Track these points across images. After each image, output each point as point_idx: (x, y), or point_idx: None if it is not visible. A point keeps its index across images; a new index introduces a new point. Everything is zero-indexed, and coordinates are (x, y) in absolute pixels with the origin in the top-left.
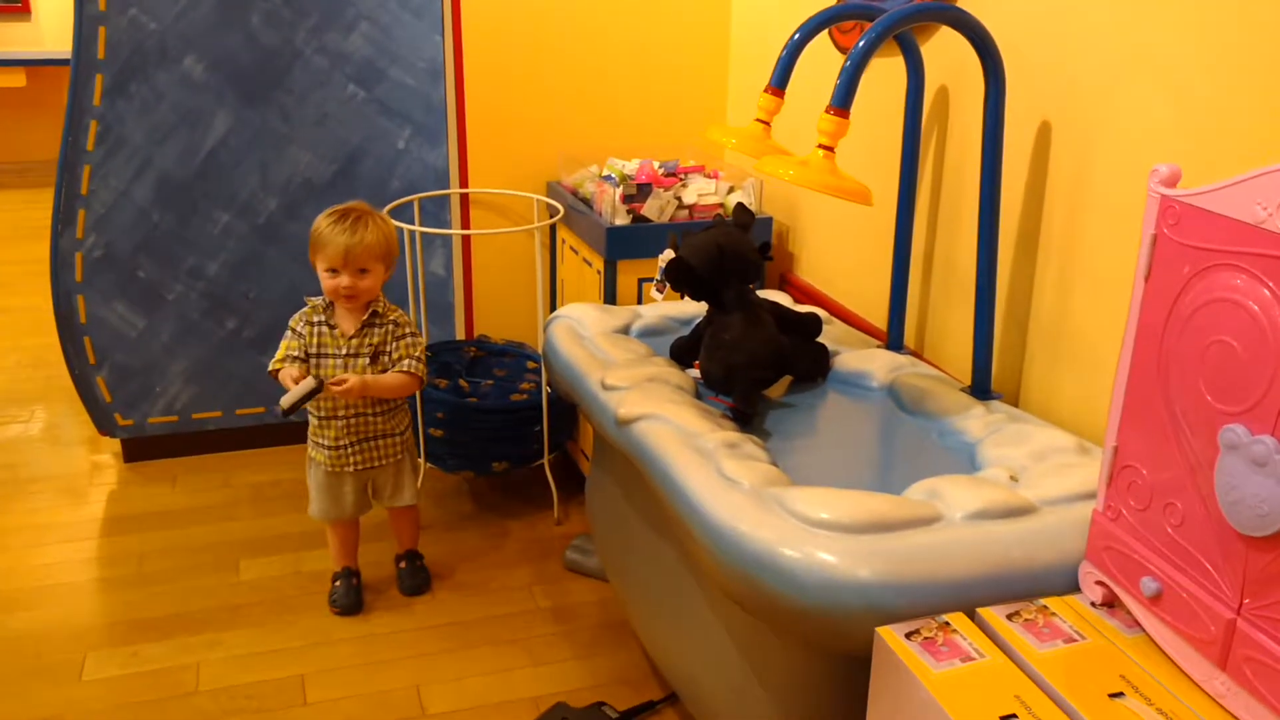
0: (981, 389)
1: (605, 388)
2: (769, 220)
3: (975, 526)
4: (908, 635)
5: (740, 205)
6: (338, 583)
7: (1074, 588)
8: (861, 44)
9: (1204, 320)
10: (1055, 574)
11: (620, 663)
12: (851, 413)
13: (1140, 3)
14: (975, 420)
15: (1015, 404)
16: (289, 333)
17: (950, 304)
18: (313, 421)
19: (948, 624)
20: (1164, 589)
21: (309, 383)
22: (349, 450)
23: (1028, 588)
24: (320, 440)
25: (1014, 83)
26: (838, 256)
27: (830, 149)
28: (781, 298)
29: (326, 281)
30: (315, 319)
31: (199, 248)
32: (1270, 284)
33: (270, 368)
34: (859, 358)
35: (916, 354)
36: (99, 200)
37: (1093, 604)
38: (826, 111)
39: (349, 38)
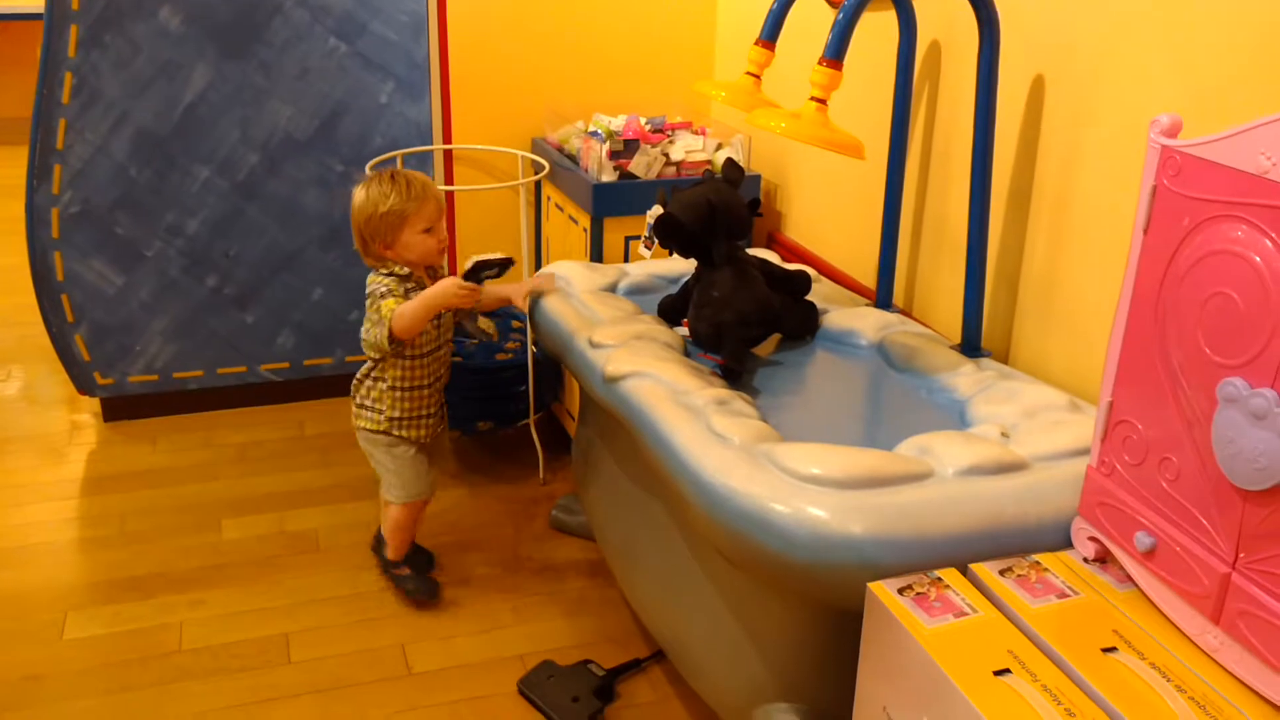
0: (971, 347)
1: (593, 345)
2: (757, 178)
3: (967, 482)
4: (900, 591)
5: (730, 161)
6: (411, 570)
7: (1066, 543)
8: None
9: (1204, 273)
10: (1048, 530)
11: (607, 621)
12: (841, 370)
13: None
14: (965, 378)
15: (1005, 362)
16: (392, 293)
17: (940, 262)
18: (408, 399)
19: (940, 579)
20: (1158, 544)
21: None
22: (438, 417)
23: (1020, 543)
24: (422, 413)
25: (1008, 37)
26: (826, 215)
27: (823, 101)
28: (769, 256)
29: (421, 244)
30: (409, 285)
31: (178, 204)
32: (1273, 235)
33: (398, 308)
34: (848, 316)
35: (905, 312)
36: (75, 155)
37: (1085, 560)
38: (819, 63)
39: None
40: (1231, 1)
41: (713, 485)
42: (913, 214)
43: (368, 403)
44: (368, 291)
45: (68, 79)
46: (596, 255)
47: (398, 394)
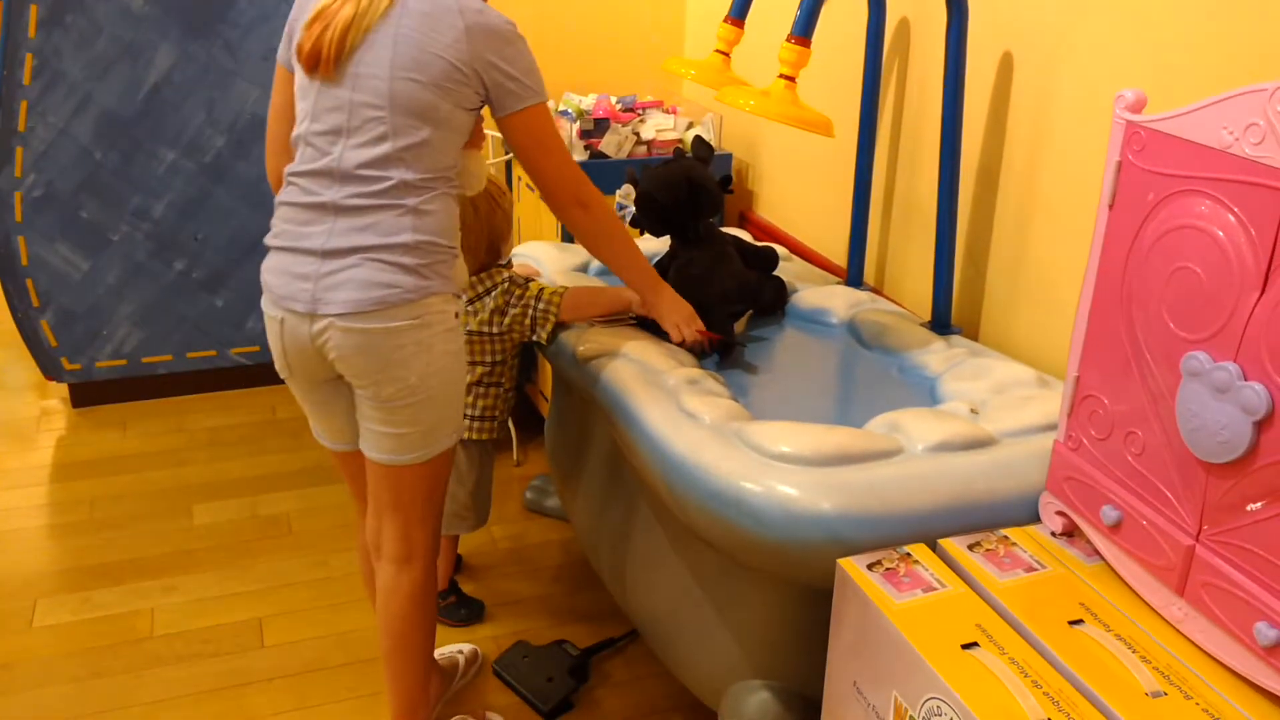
0: (941, 324)
1: (565, 326)
2: (729, 157)
3: (936, 459)
4: (869, 566)
5: (699, 138)
6: (455, 597)
7: (1034, 518)
8: None
9: (1168, 247)
10: (1016, 505)
11: (581, 601)
12: (813, 348)
13: None
14: (935, 355)
15: (976, 338)
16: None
17: (910, 240)
18: (494, 392)
19: (909, 555)
20: (1124, 517)
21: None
22: None
23: (988, 518)
24: (498, 413)
25: (977, 14)
26: (798, 193)
27: (792, 79)
28: (741, 235)
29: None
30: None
31: (144, 187)
32: (1235, 209)
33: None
34: (819, 295)
35: (877, 290)
36: (37, 137)
37: (1053, 534)
38: (787, 41)
39: None
40: None
41: (684, 464)
42: (883, 192)
43: (479, 414)
44: (498, 295)
45: (28, 60)
46: (568, 235)
47: (510, 395)
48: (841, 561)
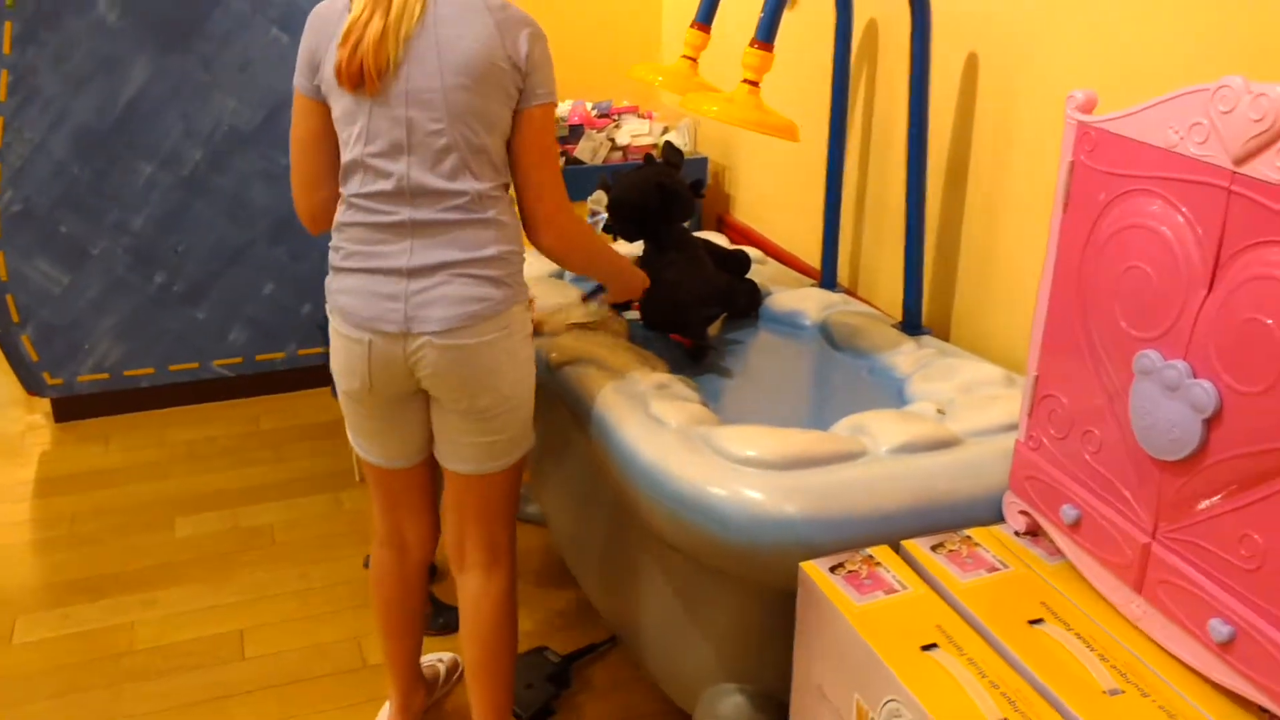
0: (912, 325)
1: (538, 334)
2: (704, 160)
3: (900, 460)
4: (832, 569)
5: (669, 144)
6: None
7: (999, 518)
8: None
9: (1119, 246)
10: (980, 505)
11: (563, 606)
12: (785, 351)
13: None
14: (905, 356)
15: (947, 338)
16: None
17: (882, 241)
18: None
19: (872, 557)
20: (1083, 516)
21: None
22: None
23: (952, 519)
24: None
25: (941, 15)
26: (773, 197)
27: (755, 84)
28: (718, 239)
29: None
30: None
31: (123, 201)
32: (1182, 208)
33: None
34: (792, 297)
35: (851, 292)
36: (14, 153)
37: (1016, 533)
38: (750, 45)
39: None
40: None
41: (650, 469)
42: (855, 194)
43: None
44: None
45: (4, 76)
46: None
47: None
48: (804, 565)
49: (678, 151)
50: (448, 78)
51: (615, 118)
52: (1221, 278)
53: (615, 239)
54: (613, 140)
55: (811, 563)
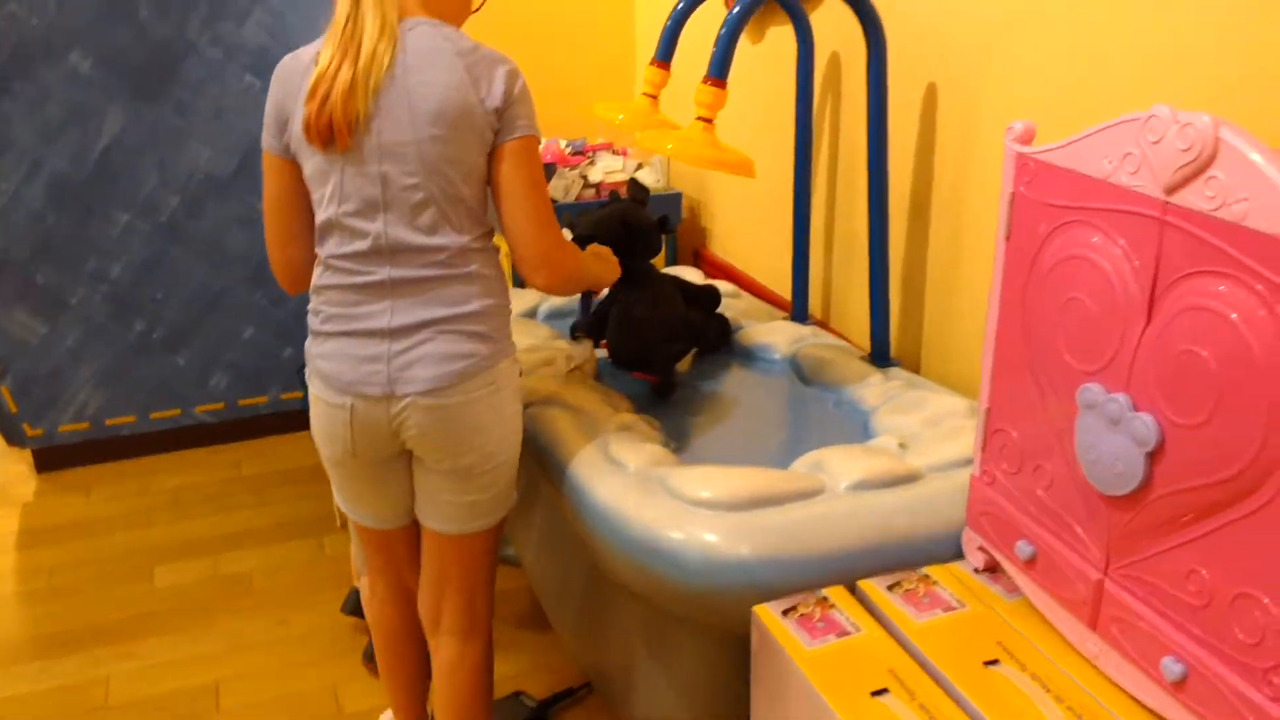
0: (881, 356)
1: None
2: (678, 195)
3: (857, 497)
4: (784, 613)
5: (634, 180)
6: None
7: (959, 554)
8: (735, 12)
9: (1060, 278)
10: (939, 541)
11: (540, 650)
12: (753, 385)
13: None
14: (872, 388)
15: (917, 370)
16: None
17: (852, 273)
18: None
19: (826, 599)
20: (1038, 552)
21: None
22: None
23: (911, 557)
24: None
25: (901, 46)
26: (748, 230)
27: (709, 120)
28: (693, 274)
29: None
30: None
31: (100, 250)
32: (1119, 239)
33: None
34: (763, 331)
35: (823, 324)
36: None
37: (976, 570)
38: (703, 82)
39: (243, 27)
40: (1103, 8)
41: (605, 513)
42: (824, 226)
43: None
44: None
45: None
46: (518, 280)
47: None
48: (756, 609)
49: (643, 188)
50: (420, 129)
51: (589, 155)
52: (1159, 309)
53: None
54: (585, 177)
55: (764, 606)
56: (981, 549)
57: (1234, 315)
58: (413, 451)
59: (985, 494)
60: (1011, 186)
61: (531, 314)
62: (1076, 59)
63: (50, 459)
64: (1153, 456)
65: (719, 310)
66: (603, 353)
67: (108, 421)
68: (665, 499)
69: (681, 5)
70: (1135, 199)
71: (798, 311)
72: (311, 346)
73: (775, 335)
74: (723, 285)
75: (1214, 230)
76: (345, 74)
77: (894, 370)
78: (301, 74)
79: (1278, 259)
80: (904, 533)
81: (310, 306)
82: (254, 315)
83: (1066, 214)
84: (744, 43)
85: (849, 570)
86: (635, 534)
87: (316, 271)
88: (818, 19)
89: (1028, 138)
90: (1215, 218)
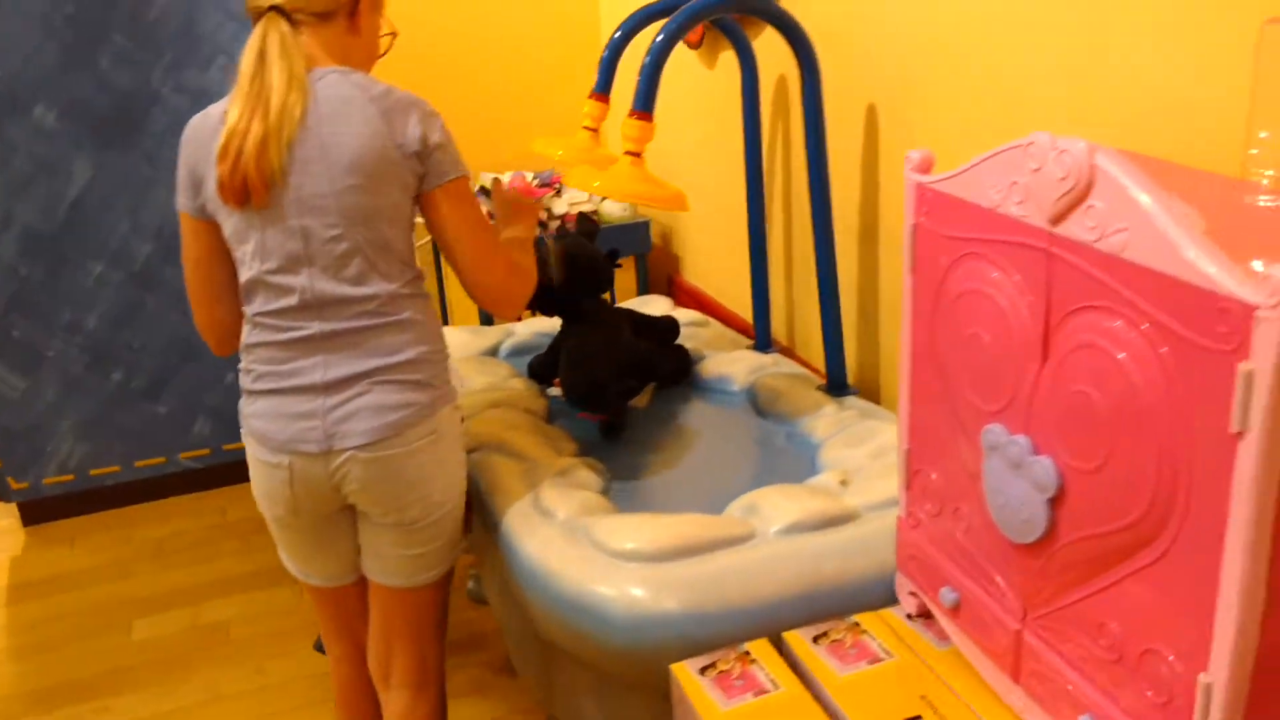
0: (837, 385)
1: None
2: (646, 223)
3: (788, 541)
4: (703, 670)
5: (582, 214)
6: None
7: (894, 599)
8: (657, 41)
9: (962, 312)
10: (872, 586)
11: (517, 693)
12: (709, 419)
13: None
14: (825, 419)
15: (876, 398)
16: None
17: (812, 298)
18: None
19: (748, 654)
20: (961, 599)
21: None
22: None
23: (843, 603)
24: None
25: (839, 67)
26: (718, 256)
27: (638, 154)
28: (664, 302)
29: None
30: None
31: (74, 301)
32: (1011, 272)
33: None
34: (722, 362)
35: (788, 350)
36: None
37: (909, 616)
38: (629, 116)
39: (207, 73)
40: (1028, 28)
41: (530, 566)
42: (782, 251)
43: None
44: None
45: None
46: (487, 317)
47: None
48: (674, 667)
49: (591, 221)
50: (339, 179)
51: (557, 186)
52: (1053, 346)
53: (534, 313)
54: (549, 210)
55: (682, 664)
56: (913, 593)
57: (1121, 355)
58: (356, 506)
59: (910, 537)
60: (913, 217)
61: (493, 351)
62: (1002, 78)
63: (36, 512)
64: (1054, 502)
65: (678, 342)
66: (556, 391)
67: (92, 472)
68: (590, 551)
69: (618, 35)
70: (1023, 230)
71: (760, 339)
72: (245, 406)
73: (734, 366)
74: (690, 314)
75: (1097, 263)
76: (256, 130)
77: (850, 399)
78: (211, 133)
79: (1158, 294)
80: (834, 578)
81: (241, 366)
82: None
83: (964, 246)
84: (699, 68)
85: (778, 620)
86: (559, 589)
87: (245, 330)
88: (760, 45)
89: (925, 166)
90: (1097, 249)
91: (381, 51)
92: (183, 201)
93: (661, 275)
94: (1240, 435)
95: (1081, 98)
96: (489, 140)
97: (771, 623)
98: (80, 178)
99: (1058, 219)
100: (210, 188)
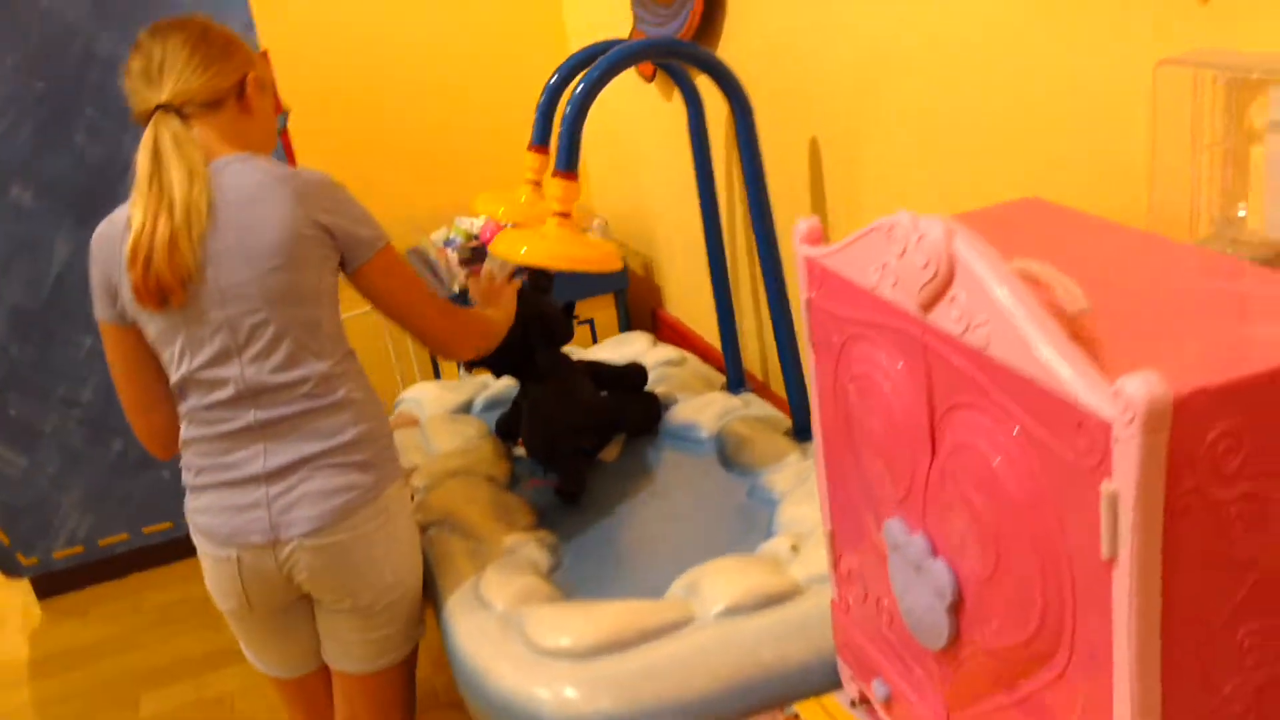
0: (801, 429)
1: (412, 492)
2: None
3: (725, 625)
4: None
5: (535, 270)
6: None
7: (838, 681)
8: (573, 99)
9: (857, 397)
10: (814, 670)
11: None
12: (674, 475)
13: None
14: (787, 471)
15: None
16: None
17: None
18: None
19: None
20: (892, 693)
21: None
22: None
23: (783, 689)
24: None
25: (776, 100)
26: (693, 290)
27: (566, 215)
28: (644, 340)
29: None
30: None
31: (67, 375)
32: (898, 359)
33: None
34: (691, 407)
35: (763, 387)
36: None
37: (853, 703)
38: (553, 176)
39: None
40: (982, 62)
41: (466, 664)
42: (749, 286)
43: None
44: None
45: None
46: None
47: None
48: None
49: (546, 275)
50: (260, 263)
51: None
52: (939, 441)
53: (497, 375)
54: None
55: None
56: (854, 679)
57: (996, 460)
58: (311, 595)
59: (843, 622)
60: (805, 292)
61: (466, 406)
62: (938, 115)
63: (50, 585)
64: (955, 610)
65: (648, 388)
66: (522, 451)
67: (101, 542)
68: (521, 649)
69: (555, 80)
70: (899, 315)
71: (732, 378)
72: (188, 502)
73: (703, 412)
74: (668, 352)
75: (965, 357)
76: (163, 230)
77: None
78: (119, 240)
79: (1024, 396)
80: (772, 665)
81: (181, 462)
82: None
83: (851, 326)
84: (658, 100)
85: (716, 713)
86: (494, 689)
87: (182, 426)
88: (703, 83)
89: (814, 238)
90: (964, 343)
91: (279, 130)
92: (101, 311)
93: (645, 308)
94: (1112, 562)
95: (1012, 135)
96: (471, 184)
97: (709, 716)
98: (61, 254)
99: (926, 306)
100: (126, 294)
